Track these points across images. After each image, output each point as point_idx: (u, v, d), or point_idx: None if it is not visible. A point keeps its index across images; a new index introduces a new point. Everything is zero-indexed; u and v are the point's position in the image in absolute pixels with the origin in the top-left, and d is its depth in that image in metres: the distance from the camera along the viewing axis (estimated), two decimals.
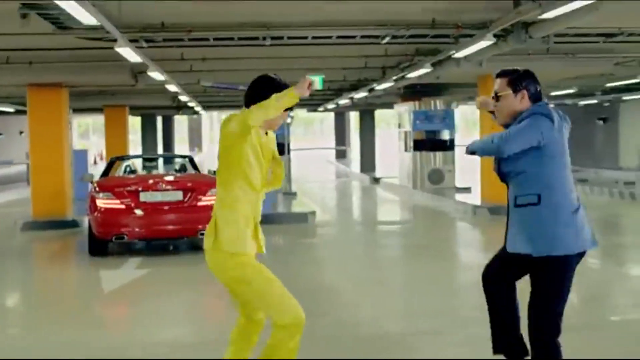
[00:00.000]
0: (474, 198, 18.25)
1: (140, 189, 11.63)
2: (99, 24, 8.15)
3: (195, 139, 63.42)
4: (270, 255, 11.61)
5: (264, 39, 11.56)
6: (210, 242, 4.50)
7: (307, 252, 12.54)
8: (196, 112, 34.04)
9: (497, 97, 4.67)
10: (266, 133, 4.67)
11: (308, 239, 14.21)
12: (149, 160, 14.66)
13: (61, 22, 9.65)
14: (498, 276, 4.85)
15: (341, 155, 43.22)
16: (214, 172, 13.84)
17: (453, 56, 12.66)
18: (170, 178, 12.35)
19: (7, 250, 13.55)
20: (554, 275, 4.46)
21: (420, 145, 22.49)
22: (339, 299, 8.74)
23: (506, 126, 4.67)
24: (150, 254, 12.10)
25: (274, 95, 4.36)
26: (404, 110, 23.39)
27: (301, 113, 48.19)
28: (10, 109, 25.31)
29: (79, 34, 10.37)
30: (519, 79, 4.63)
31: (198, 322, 7.98)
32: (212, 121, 72.96)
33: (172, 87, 17.10)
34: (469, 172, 24.28)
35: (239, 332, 4.74)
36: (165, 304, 8.68)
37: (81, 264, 11.73)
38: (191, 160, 14.04)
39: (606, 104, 28.38)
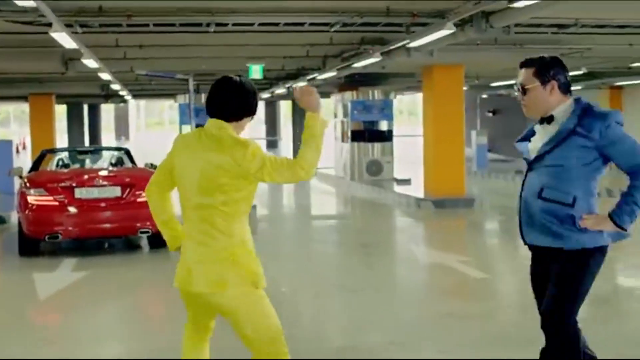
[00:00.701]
0: (416, 190, 17.91)
1: (74, 184, 10.88)
2: (34, 5, 7.40)
3: (122, 128, 61.97)
4: None
5: (208, 25, 10.94)
6: (231, 281, 3.86)
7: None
8: (124, 101, 33.04)
9: (523, 90, 4.18)
10: None
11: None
12: (82, 153, 13.81)
13: None
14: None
15: (273, 144, 42.65)
16: (151, 165, 13.22)
17: (406, 46, 12.21)
18: (106, 173, 11.60)
19: None
20: (583, 267, 4.05)
21: (358, 136, 22.07)
22: (288, 312, 8.18)
23: (541, 120, 4.18)
24: (86, 254, 11.35)
25: (318, 131, 3.95)
26: (341, 100, 22.94)
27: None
28: None
29: (8, 17, 9.56)
30: (546, 69, 4.13)
31: (142, 332, 7.34)
32: (139, 109, 71.45)
33: (104, 75, 16.28)
34: (407, 164, 24.05)
35: (191, 340, 4.22)
36: (106, 313, 8.03)
37: (10, 265, 10.92)
38: (127, 153, 13.27)
39: None
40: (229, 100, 3.92)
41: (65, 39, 9.94)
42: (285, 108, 47.32)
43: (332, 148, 24.12)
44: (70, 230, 10.85)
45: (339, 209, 18.65)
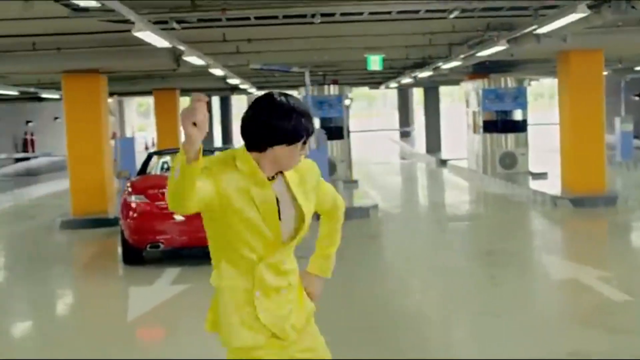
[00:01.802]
0: (552, 186, 16.44)
1: None
2: (110, 4, 6.72)
3: None
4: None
5: (313, 16, 10.05)
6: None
7: (369, 260, 10.90)
8: (250, 93, 32.74)
9: None
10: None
11: (367, 240, 12.66)
12: None
13: (76, 5, 8.28)
14: None
15: (405, 134, 41.54)
16: None
17: (534, 32, 10.92)
18: None
19: (41, 253, 12.49)
20: None
21: (490, 126, 20.69)
22: (420, 336, 7.17)
23: None
24: (190, 263, 10.69)
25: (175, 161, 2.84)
26: (472, 89, 21.60)
27: (363, 89, 46.60)
28: (56, 96, 24.28)
29: (100, 17, 8.99)
30: None
31: None
32: None
33: (215, 71, 15.70)
34: (544, 156, 22.46)
35: None
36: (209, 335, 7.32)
37: (113, 275, 10.47)
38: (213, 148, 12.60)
39: None
40: (244, 124, 3.10)
41: (151, 37, 9.28)
42: (418, 95, 46.01)
43: (465, 139, 22.88)
44: (172, 239, 10.25)
45: (468, 208, 17.34)
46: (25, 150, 34.79)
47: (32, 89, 22.20)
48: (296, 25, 11.58)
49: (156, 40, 9.58)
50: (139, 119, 60.58)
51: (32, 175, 26.49)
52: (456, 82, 24.89)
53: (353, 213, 14.62)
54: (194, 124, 2.70)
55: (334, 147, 20.80)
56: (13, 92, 22.44)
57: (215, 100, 41.03)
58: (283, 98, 3.08)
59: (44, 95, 24.13)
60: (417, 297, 8.65)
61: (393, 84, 27.08)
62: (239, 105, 57.40)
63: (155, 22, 9.84)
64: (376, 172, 25.15)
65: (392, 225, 14.07)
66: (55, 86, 21.99)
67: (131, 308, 8.37)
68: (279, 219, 3.14)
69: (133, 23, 8.28)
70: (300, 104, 3.10)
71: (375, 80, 29.24)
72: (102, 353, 6.96)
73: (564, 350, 6.35)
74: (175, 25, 9.95)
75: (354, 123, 51.81)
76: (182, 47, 11.02)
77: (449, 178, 22.47)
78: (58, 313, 8.94)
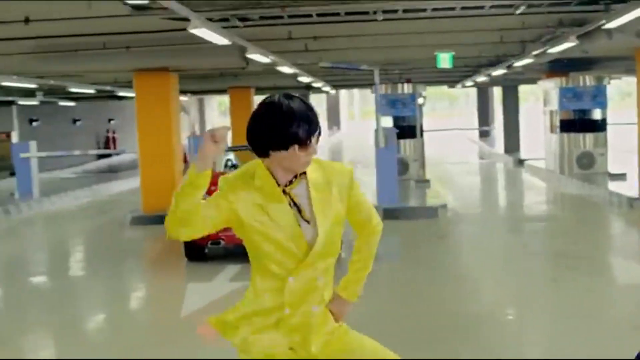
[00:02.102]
0: (630, 187, 15.90)
1: None
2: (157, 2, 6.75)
3: (333, 118, 62.12)
4: (388, 266, 10.21)
5: (375, 12, 9.92)
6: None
7: (433, 262, 10.70)
8: (326, 92, 32.77)
9: None
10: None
11: (436, 240, 12.45)
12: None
13: (133, 3, 8.37)
14: None
15: (485, 133, 40.91)
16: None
17: (603, 27, 10.55)
18: None
19: (111, 248, 12.74)
20: None
21: (568, 125, 20.16)
22: (487, 338, 6.96)
23: None
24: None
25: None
26: (550, 87, 21.08)
27: (444, 88, 46.13)
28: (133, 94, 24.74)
29: (161, 15, 9.06)
30: None
31: None
32: (352, 98, 71.51)
33: (284, 69, 15.69)
34: (623, 156, 21.78)
35: None
36: None
37: (174, 271, 10.55)
38: None
39: None
40: (246, 131, 3.04)
41: (208, 34, 9.28)
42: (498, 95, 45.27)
43: (542, 139, 22.37)
44: (233, 237, 10.22)
45: (542, 208, 16.91)
46: (107, 147, 35.65)
47: (108, 88, 22.66)
48: (361, 23, 11.45)
49: (215, 37, 9.59)
50: (220, 118, 61.24)
51: (113, 172, 27.10)
52: (534, 81, 24.35)
53: (420, 212, 14.45)
54: (215, 140, 2.86)
55: (406, 146, 20.64)
56: (90, 90, 22.96)
57: None
58: (280, 101, 2.96)
59: (121, 94, 24.59)
60: (484, 299, 8.43)
61: (469, 83, 26.66)
62: (316, 105, 57.61)
63: (218, 20, 9.89)
64: (452, 171, 24.82)
65: (460, 225, 13.82)
66: (131, 84, 22.44)
67: (187, 303, 8.42)
68: (307, 221, 3.07)
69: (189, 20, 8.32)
70: (296, 106, 2.96)
71: (451, 79, 28.87)
72: (149, 347, 7.00)
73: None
74: (237, 22, 9.96)
75: (435, 122, 51.67)
76: (246, 45, 10.99)
77: (525, 178, 22.01)
78: (115, 306, 9.03)
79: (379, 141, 15.02)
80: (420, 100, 20.48)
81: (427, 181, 19.43)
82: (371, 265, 3.37)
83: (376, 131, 14.86)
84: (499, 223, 14.62)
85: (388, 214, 14.18)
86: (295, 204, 3.06)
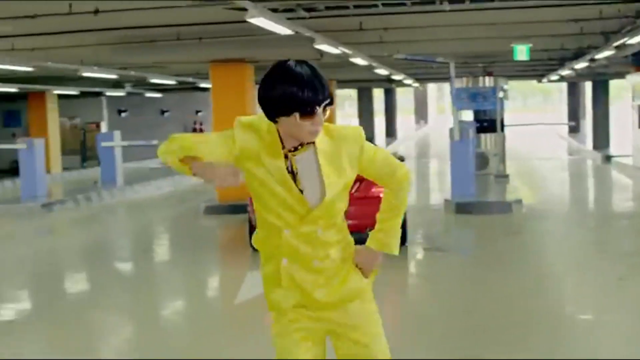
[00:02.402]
0: None
1: None
2: None
3: (421, 111, 61.63)
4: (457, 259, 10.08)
5: (441, 2, 9.78)
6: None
7: (501, 258, 10.49)
8: (408, 85, 32.59)
9: None
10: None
11: (506, 236, 12.19)
12: None
13: None
14: None
15: (574, 129, 39.91)
16: (400, 157, 12.43)
17: None
18: None
19: (182, 236, 13.01)
20: None
21: None
22: (557, 336, 6.67)
23: None
24: None
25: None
26: (637, 81, 20.41)
27: (535, 83, 45.18)
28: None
29: (223, 5, 9.14)
30: None
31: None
32: (442, 92, 70.69)
33: (358, 60, 15.63)
34: None
35: None
36: None
37: (238, 260, 10.65)
38: (370, 141, 12.46)
39: None
40: (258, 89, 3.05)
41: (268, 24, 9.29)
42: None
43: (631, 136, 21.70)
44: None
45: (622, 206, 16.29)
46: None
47: (190, 79, 23.01)
48: (432, 14, 11.29)
49: (275, 27, 9.61)
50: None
51: None
52: (622, 76, 23.62)
53: (494, 207, 14.20)
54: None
55: (487, 140, 20.32)
56: (171, 82, 23.36)
57: (379, 93, 41.13)
58: (288, 64, 2.90)
59: (202, 85, 24.96)
60: (554, 296, 8.20)
61: (554, 77, 26.03)
62: (403, 99, 57.28)
63: (283, 11, 9.91)
64: (535, 167, 24.31)
65: (534, 221, 13.50)
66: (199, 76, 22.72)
67: (242, 291, 8.48)
68: (300, 190, 3.04)
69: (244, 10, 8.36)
70: (303, 72, 2.87)
71: (537, 73, 28.25)
72: (198, 332, 7.10)
73: None
74: (303, 13, 9.96)
75: (526, 118, 50.63)
76: (314, 36, 10.99)
77: (610, 175, 21.37)
78: (175, 293, 9.19)
79: (453, 134, 14.85)
80: (500, 94, 20.09)
81: (507, 176, 19.07)
82: (401, 216, 3.29)
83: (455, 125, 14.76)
84: (575, 220, 14.20)
85: (461, 208, 14.01)
86: (292, 171, 3.03)
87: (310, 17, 10.25)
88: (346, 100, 52.68)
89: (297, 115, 2.88)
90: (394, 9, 10.47)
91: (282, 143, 3.03)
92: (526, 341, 6.47)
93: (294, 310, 3.16)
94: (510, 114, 50.77)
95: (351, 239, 3.24)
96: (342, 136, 3.11)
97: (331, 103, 2.94)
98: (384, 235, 3.27)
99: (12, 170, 23.21)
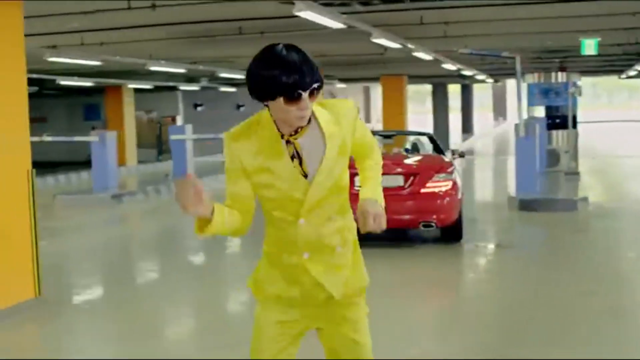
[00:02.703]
0: None
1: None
2: None
3: (499, 107, 60.70)
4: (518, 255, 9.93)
5: None
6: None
7: (562, 255, 10.28)
8: (482, 81, 32.19)
9: None
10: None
11: (571, 234, 11.91)
12: (384, 137, 13.16)
13: None
14: None
15: None
16: (460, 153, 12.27)
17: None
18: (391, 160, 10.78)
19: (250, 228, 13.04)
20: None
21: None
22: (620, 335, 6.52)
23: None
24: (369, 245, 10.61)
25: None
26: None
27: (617, 79, 44.02)
28: None
29: None
30: None
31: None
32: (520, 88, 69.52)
33: (420, 55, 15.51)
34: None
35: None
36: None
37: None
38: (431, 138, 12.38)
39: None
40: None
41: (316, 17, 9.28)
42: None
43: None
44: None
45: None
46: None
47: None
48: (497, 7, 11.14)
49: (325, 20, 9.60)
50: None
51: None
52: None
53: (559, 205, 13.91)
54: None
55: (558, 137, 19.99)
56: (239, 76, 23.58)
57: (456, 89, 40.79)
58: (275, 47, 2.85)
59: None
60: (615, 296, 8.01)
61: (632, 72, 25.33)
62: (482, 96, 56.47)
63: (339, 5, 9.92)
64: (612, 165, 23.72)
65: (599, 219, 13.16)
66: None
67: None
68: (305, 175, 3.00)
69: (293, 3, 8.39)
70: (289, 55, 2.80)
71: (614, 68, 27.51)
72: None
73: None
74: (358, 7, 9.95)
75: (611, 114, 49.32)
76: (370, 30, 10.96)
77: None
78: (242, 283, 9.30)
79: (519, 130, 14.62)
80: (571, 90, 19.67)
81: (578, 173, 18.68)
82: (380, 172, 3.31)
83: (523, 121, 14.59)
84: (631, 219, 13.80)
85: (524, 205, 13.78)
86: (297, 155, 2.99)
87: (367, 12, 10.22)
88: (427, 96, 52.38)
89: (281, 99, 2.85)
90: (453, 3, 10.35)
91: (280, 131, 2.99)
92: (590, 341, 6.35)
93: (283, 303, 3.17)
94: (592, 111, 49.50)
95: (354, 223, 3.19)
96: (337, 106, 3.10)
97: (320, 87, 2.88)
98: (371, 187, 3.21)
99: (88, 163, 23.78)
